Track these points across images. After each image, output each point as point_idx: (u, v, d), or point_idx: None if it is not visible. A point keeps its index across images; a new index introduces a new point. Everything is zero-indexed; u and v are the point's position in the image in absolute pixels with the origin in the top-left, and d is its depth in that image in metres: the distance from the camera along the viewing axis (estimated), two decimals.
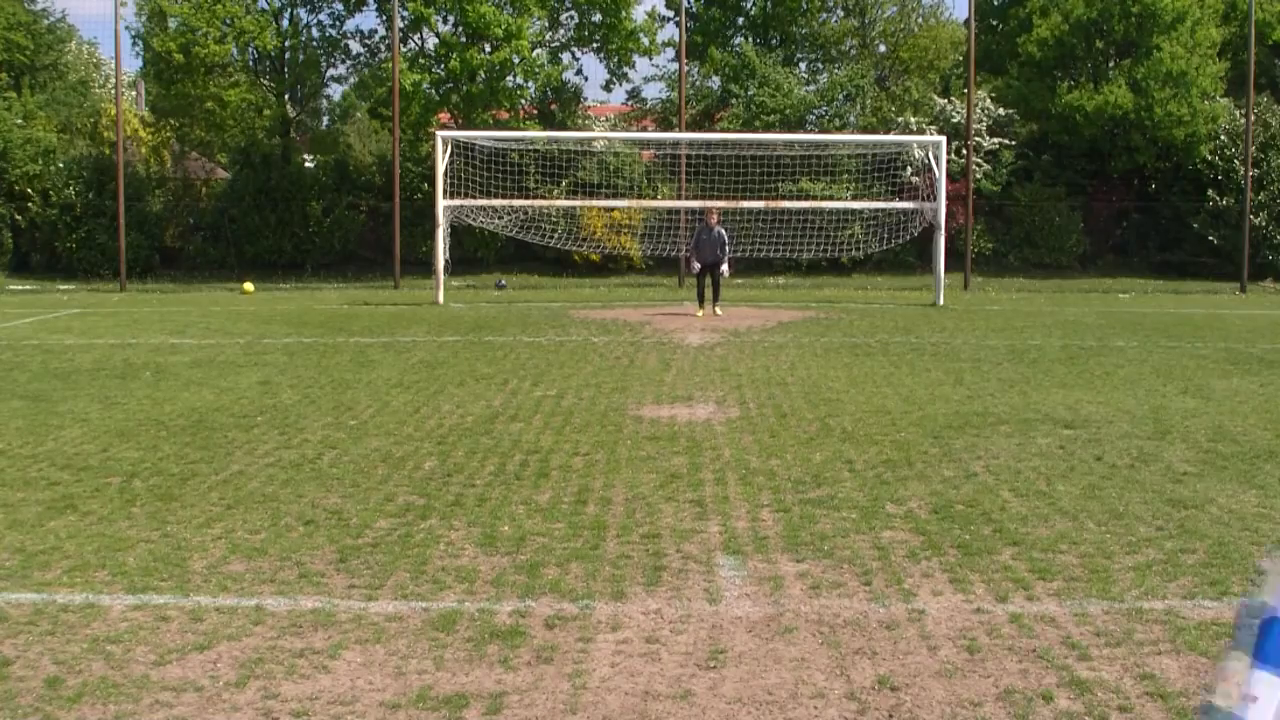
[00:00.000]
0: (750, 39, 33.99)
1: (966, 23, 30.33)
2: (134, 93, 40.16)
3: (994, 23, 34.18)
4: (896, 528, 6.66)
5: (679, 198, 27.75)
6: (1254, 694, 2.54)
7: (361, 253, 30.94)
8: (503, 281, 27.76)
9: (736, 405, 10.72)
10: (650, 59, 32.11)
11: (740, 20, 34.79)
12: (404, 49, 29.20)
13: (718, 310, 19.59)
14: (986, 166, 30.18)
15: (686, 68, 31.44)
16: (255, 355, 14.33)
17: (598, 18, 30.74)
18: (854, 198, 27.48)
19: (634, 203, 27.15)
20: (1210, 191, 29.86)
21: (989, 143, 30.34)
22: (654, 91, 34.84)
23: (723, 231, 19.88)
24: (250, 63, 31.59)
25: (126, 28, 30.38)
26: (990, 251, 30.04)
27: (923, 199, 23.82)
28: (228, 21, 29.20)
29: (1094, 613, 5.28)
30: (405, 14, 28.45)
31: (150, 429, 9.55)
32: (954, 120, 30.42)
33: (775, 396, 11.20)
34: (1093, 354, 14.56)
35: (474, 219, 23.91)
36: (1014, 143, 30.64)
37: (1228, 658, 2.52)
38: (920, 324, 18.39)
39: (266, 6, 30.87)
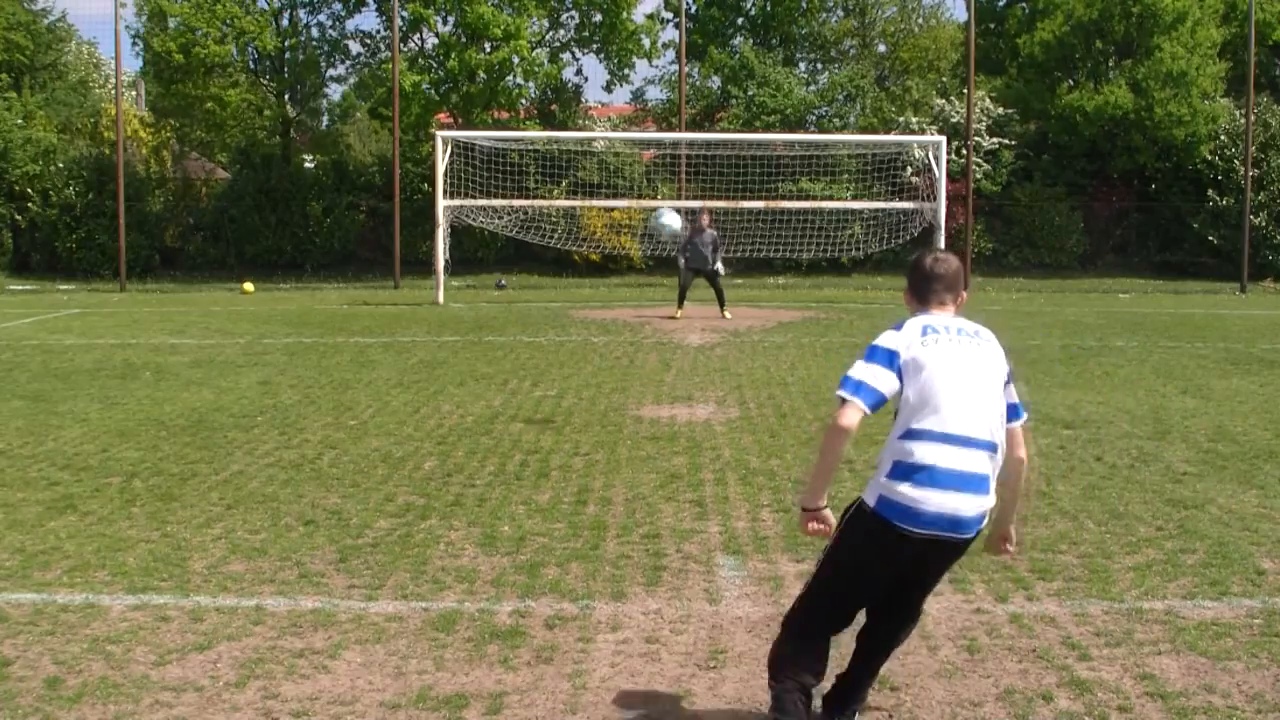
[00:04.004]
0: (750, 39, 34.01)
1: (965, 24, 30.35)
2: (134, 93, 40.16)
3: (992, 26, 34.19)
4: None
5: (679, 198, 27.74)
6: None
7: (361, 253, 30.95)
8: (503, 281, 27.76)
9: (736, 405, 10.72)
10: (650, 62, 32.14)
11: (740, 21, 34.80)
12: (404, 49, 29.20)
13: (726, 314, 19.34)
14: (986, 166, 30.18)
15: (686, 68, 31.44)
16: (255, 355, 14.33)
17: (598, 18, 30.74)
18: (854, 198, 27.50)
19: (634, 203, 27.15)
20: (1210, 191, 29.87)
21: (989, 143, 30.35)
22: (654, 93, 34.84)
23: (714, 234, 19.70)
24: (250, 63, 31.59)
25: (126, 28, 30.42)
26: (990, 251, 30.03)
27: (923, 199, 23.83)
28: (227, 22, 29.20)
29: (1094, 613, 5.28)
30: (405, 14, 28.44)
31: (150, 429, 9.55)
32: (954, 120, 30.42)
33: (775, 396, 11.20)
34: (1093, 354, 14.56)
35: (474, 219, 23.92)
36: (1014, 143, 30.64)
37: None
38: None
39: (266, 7, 30.88)
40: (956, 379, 3.83)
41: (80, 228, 29.18)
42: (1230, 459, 8.39)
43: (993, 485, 3.87)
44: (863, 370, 3.86)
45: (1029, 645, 4.91)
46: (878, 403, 3.85)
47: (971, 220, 27.95)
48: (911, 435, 3.83)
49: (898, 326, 3.96)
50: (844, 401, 3.85)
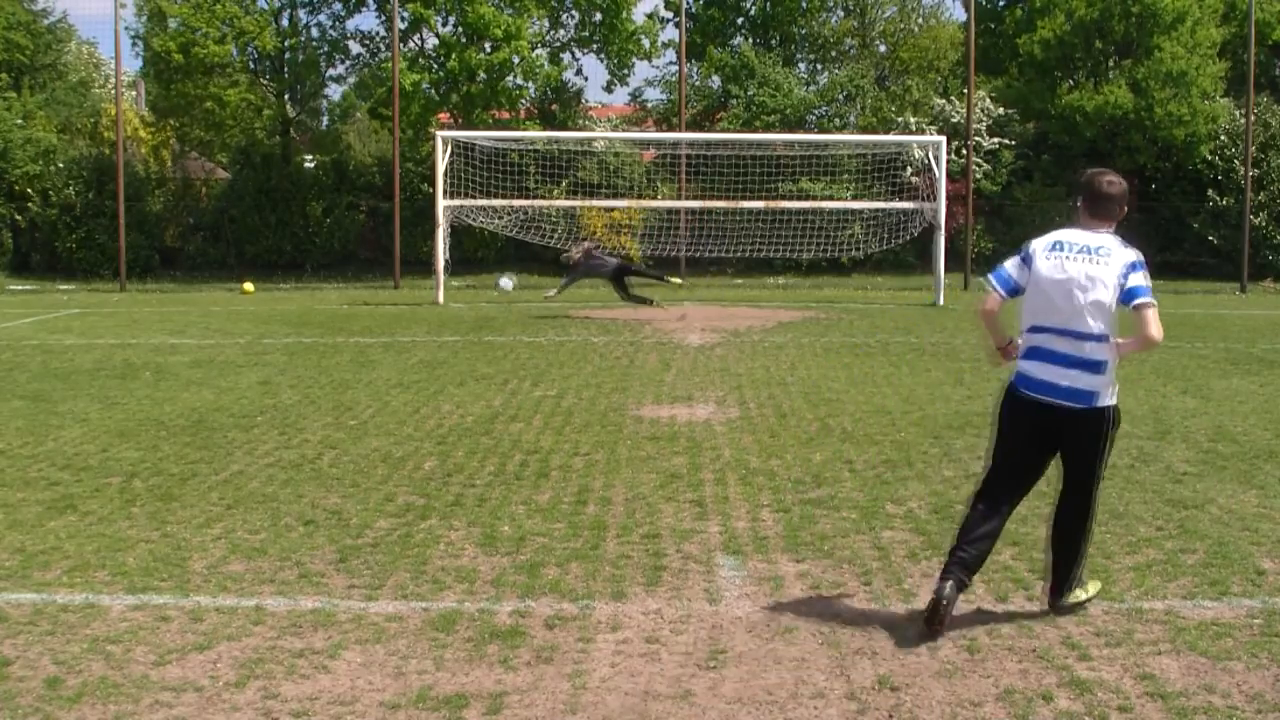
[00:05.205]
0: (750, 39, 34.00)
1: (965, 24, 30.35)
2: (134, 93, 40.15)
3: (992, 25, 34.19)
4: (896, 528, 6.66)
5: (679, 198, 27.74)
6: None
7: (361, 253, 30.93)
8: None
9: (736, 405, 10.72)
10: (650, 62, 32.15)
11: (740, 20, 34.81)
12: (404, 49, 29.20)
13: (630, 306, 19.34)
14: (986, 166, 30.17)
15: (686, 68, 31.43)
16: (255, 355, 14.33)
17: (598, 18, 30.75)
18: (854, 198, 27.47)
19: (634, 203, 27.13)
20: (1210, 191, 29.85)
21: (989, 143, 30.34)
22: (654, 94, 34.87)
23: (586, 256, 19.80)
24: (250, 63, 31.58)
25: (126, 28, 30.40)
26: (990, 251, 29.98)
27: (923, 199, 23.82)
28: (227, 22, 29.19)
29: (1094, 613, 5.28)
30: (405, 14, 28.44)
31: (150, 429, 9.55)
32: (954, 120, 30.41)
33: (775, 396, 11.20)
34: None
35: (474, 219, 23.91)
36: (1014, 143, 30.63)
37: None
38: (920, 324, 18.39)
39: (266, 7, 30.86)
40: (1061, 285, 5.02)
41: (80, 228, 29.16)
42: (1230, 459, 8.39)
43: (1106, 367, 5.06)
44: (1006, 263, 5.24)
45: (1029, 645, 4.92)
46: (1012, 289, 5.20)
47: (971, 220, 27.94)
48: (1030, 329, 5.17)
49: (1041, 237, 5.26)
50: (988, 290, 5.25)
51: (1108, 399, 5.09)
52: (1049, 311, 5.07)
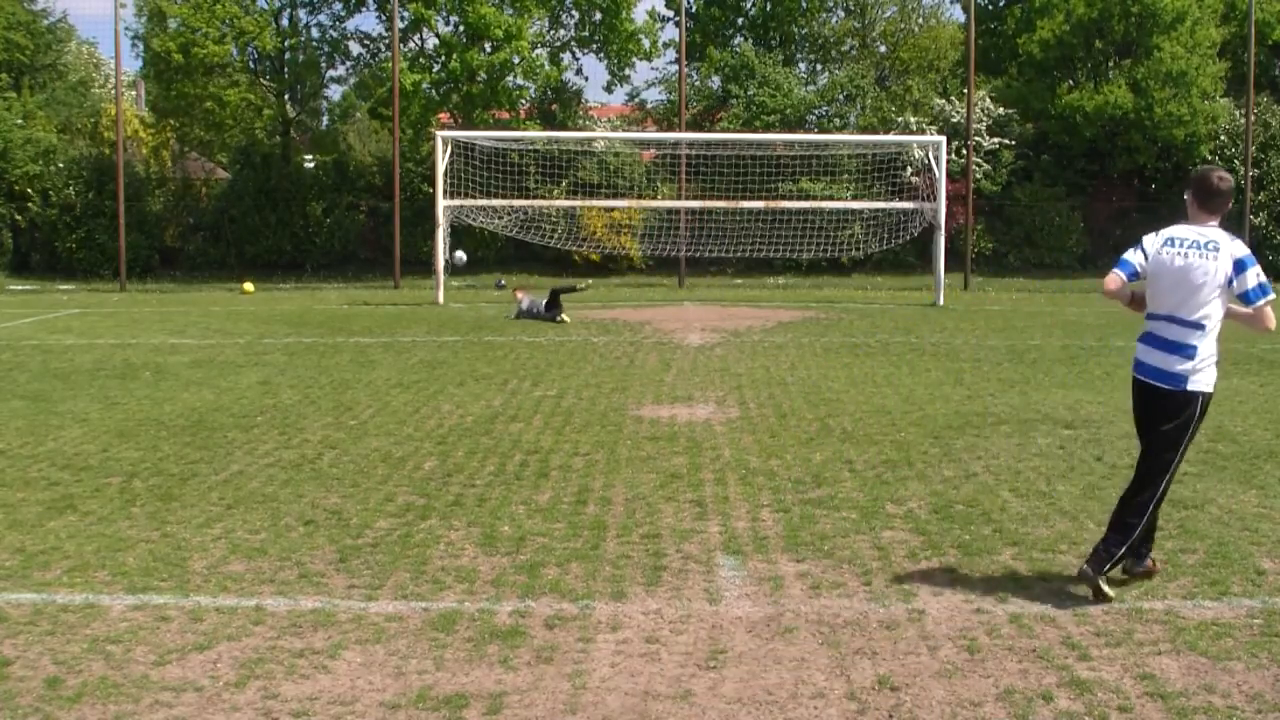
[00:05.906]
0: (750, 39, 34.01)
1: (965, 24, 30.35)
2: (134, 93, 40.14)
3: (992, 25, 34.20)
4: (896, 528, 6.66)
5: (679, 198, 27.75)
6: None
7: (361, 253, 30.94)
8: (502, 281, 27.76)
9: (736, 405, 10.72)
10: (650, 62, 32.17)
11: (740, 20, 34.82)
12: (404, 49, 29.20)
13: (564, 317, 19.23)
14: (986, 166, 30.17)
15: (686, 68, 31.44)
16: (255, 355, 14.33)
17: (598, 18, 30.75)
18: (854, 198, 27.48)
19: (634, 203, 27.14)
20: None
21: (989, 143, 30.34)
22: (654, 95, 34.90)
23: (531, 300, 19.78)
24: (250, 63, 31.59)
25: (126, 28, 30.42)
26: (990, 251, 30.03)
27: (923, 199, 23.82)
28: (227, 22, 29.20)
29: (1094, 613, 5.29)
30: (405, 14, 28.44)
31: (150, 429, 9.55)
32: (954, 120, 30.42)
33: (775, 396, 11.20)
34: (1093, 354, 14.56)
35: (474, 219, 23.92)
36: (1014, 143, 30.64)
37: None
38: (920, 324, 18.39)
39: (266, 6, 30.87)
40: (1173, 277, 5.46)
41: (80, 228, 29.18)
42: (1230, 459, 8.39)
43: (1201, 352, 5.42)
44: (1128, 253, 5.68)
45: (1029, 645, 4.92)
46: (1131, 274, 5.61)
47: (971, 220, 27.94)
48: (1147, 316, 5.64)
49: (1156, 232, 5.66)
50: (1112, 272, 5.65)
51: (1199, 385, 5.45)
52: (1159, 300, 5.53)
